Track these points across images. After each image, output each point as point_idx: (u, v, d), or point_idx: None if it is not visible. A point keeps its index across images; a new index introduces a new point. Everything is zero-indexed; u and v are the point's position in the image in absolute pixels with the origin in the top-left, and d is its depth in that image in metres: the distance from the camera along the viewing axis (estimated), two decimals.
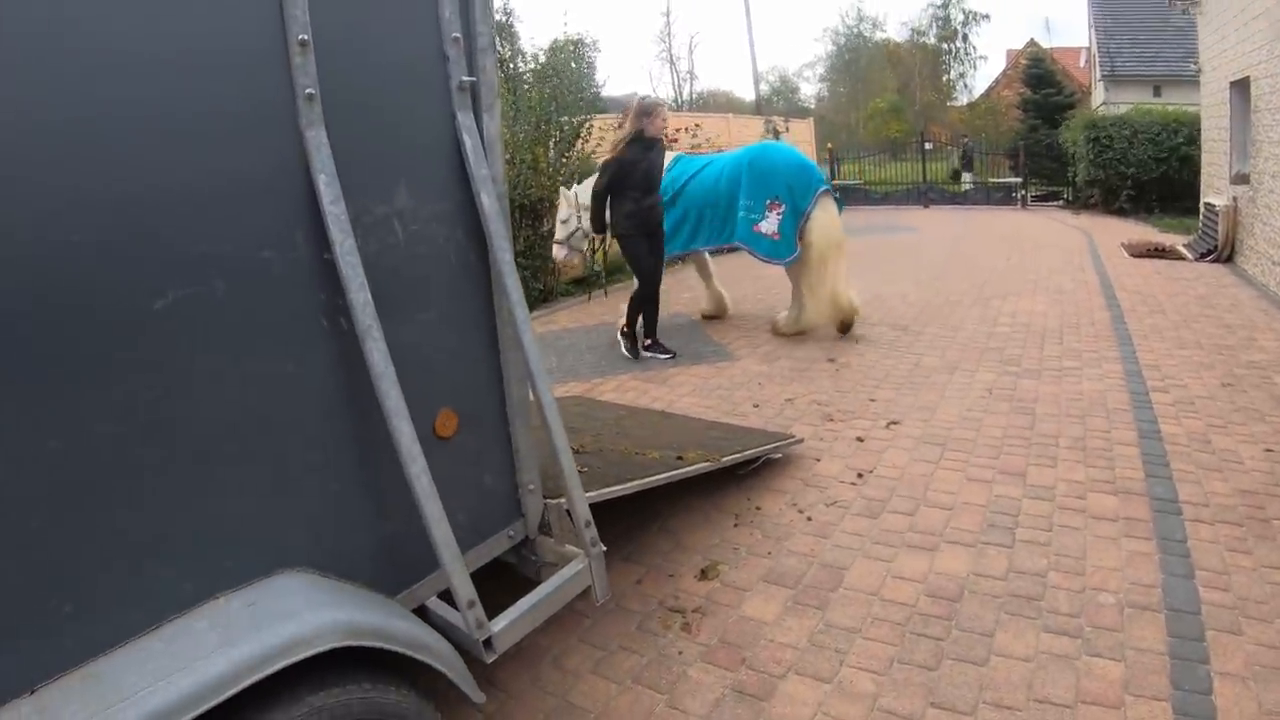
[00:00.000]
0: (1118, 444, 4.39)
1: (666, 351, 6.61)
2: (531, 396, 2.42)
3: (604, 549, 2.49)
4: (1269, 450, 4.22)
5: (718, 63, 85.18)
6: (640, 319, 6.58)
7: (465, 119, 2.20)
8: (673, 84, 41.56)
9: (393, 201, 2.06)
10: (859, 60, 41.17)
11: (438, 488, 1.95)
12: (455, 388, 2.26)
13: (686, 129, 12.54)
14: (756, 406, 5.13)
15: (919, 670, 2.65)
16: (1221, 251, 10.17)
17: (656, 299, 6.62)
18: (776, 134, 15.72)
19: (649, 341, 6.69)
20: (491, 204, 2.22)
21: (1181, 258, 10.60)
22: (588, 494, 2.53)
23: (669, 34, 40.99)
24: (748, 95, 39.75)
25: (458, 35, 2.15)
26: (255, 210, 1.77)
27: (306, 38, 1.79)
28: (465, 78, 2.18)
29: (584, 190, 6.71)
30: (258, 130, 1.77)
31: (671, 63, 41.69)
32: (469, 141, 2.19)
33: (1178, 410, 4.88)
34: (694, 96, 41.20)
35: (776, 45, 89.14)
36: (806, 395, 5.31)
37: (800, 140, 19.15)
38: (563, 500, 2.51)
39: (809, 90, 44.89)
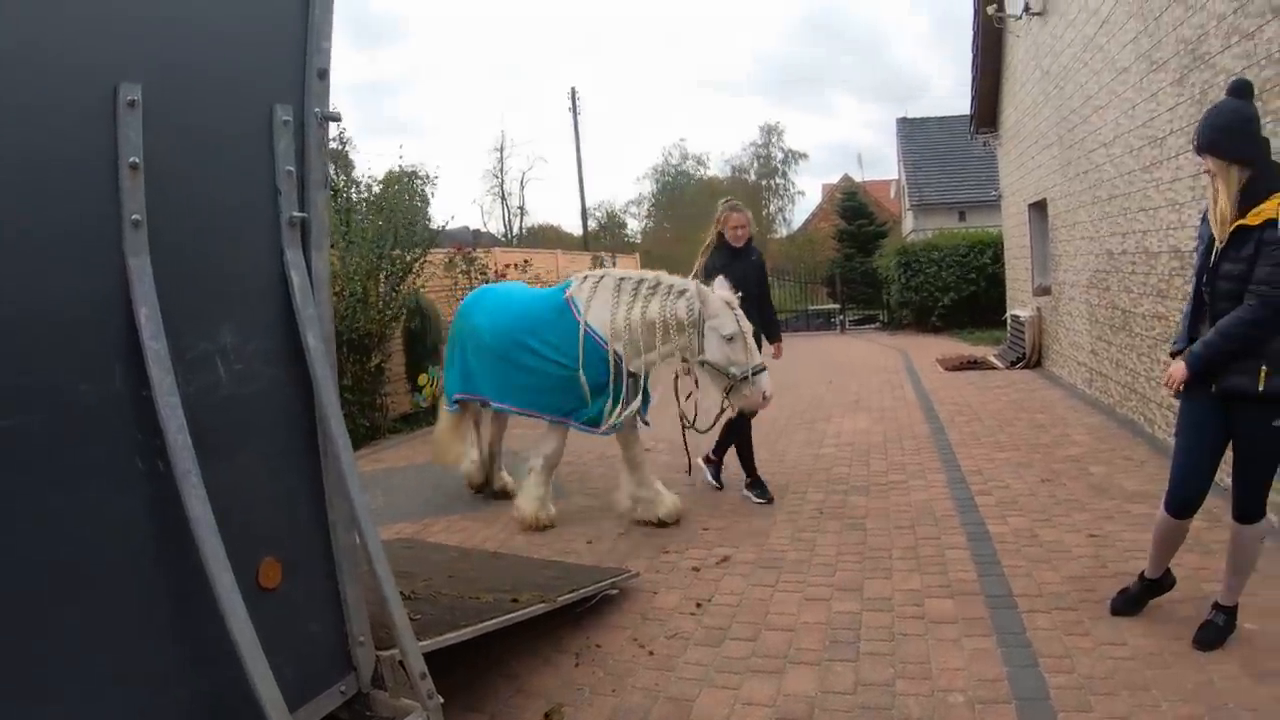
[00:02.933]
0: (949, 549, 4.69)
1: (766, 495, 5.87)
2: (359, 542, 2.35)
3: (442, 700, 2.40)
4: (1092, 535, 4.66)
5: (547, 198, 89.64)
6: (733, 448, 6.02)
7: (294, 256, 2.19)
8: (504, 219, 42.79)
9: (217, 338, 2.00)
10: (683, 196, 43.99)
11: (262, 641, 1.83)
12: (279, 535, 2.16)
13: (516, 265, 12.87)
14: (590, 543, 5.12)
15: None
16: (1030, 358, 11.47)
17: (747, 426, 5.94)
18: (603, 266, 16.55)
19: (749, 480, 5.99)
20: (317, 344, 2.19)
21: (993, 367, 11.75)
22: (421, 643, 2.45)
23: (501, 169, 42.31)
24: (575, 229, 41.53)
25: (291, 169, 2.16)
26: (74, 340, 1.69)
27: (138, 161, 1.75)
28: (296, 213, 2.18)
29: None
30: (80, 255, 1.70)
31: (503, 197, 42.71)
32: (297, 279, 2.18)
33: (1002, 510, 5.29)
34: (524, 231, 42.54)
35: (604, 181, 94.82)
36: (639, 528, 5.34)
37: None
38: (395, 651, 2.42)
39: (635, 225, 47.36)
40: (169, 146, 1.85)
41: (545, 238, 40.94)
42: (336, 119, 2.33)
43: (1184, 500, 3.36)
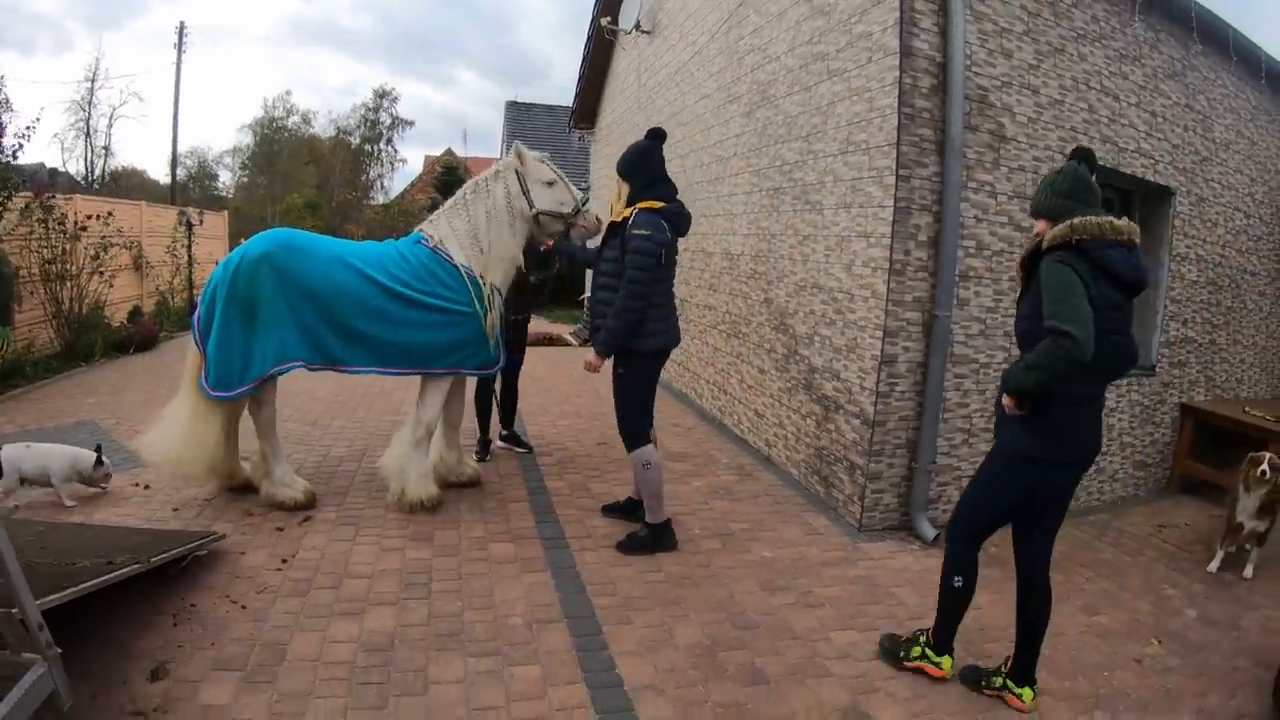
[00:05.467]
0: (510, 502, 5.20)
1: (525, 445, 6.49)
2: None
3: (60, 650, 2.39)
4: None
5: (135, 139, 75.93)
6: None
7: None
8: (86, 159, 35.82)
9: None
10: (281, 153, 40.75)
11: None
12: None
13: (99, 216, 11.02)
14: (176, 510, 4.79)
15: (371, 713, 2.91)
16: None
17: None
18: (190, 226, 14.76)
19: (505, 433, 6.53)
20: None
21: (567, 343, 12.63)
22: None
23: (90, 103, 35.23)
24: (161, 177, 36.88)
25: None
26: None
27: None
28: None
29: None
30: None
31: (89, 135, 35.60)
32: None
33: (560, 468, 5.95)
34: (105, 174, 36.12)
35: (200, 129, 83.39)
36: (224, 496, 5.07)
37: (214, 234, 18.04)
38: (14, 610, 2.34)
39: (227, 178, 42.70)
40: None
41: (128, 184, 35.54)
42: None
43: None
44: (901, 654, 3.42)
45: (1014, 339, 3.27)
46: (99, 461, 4.89)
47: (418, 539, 4.49)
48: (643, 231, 4.16)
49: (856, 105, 5.14)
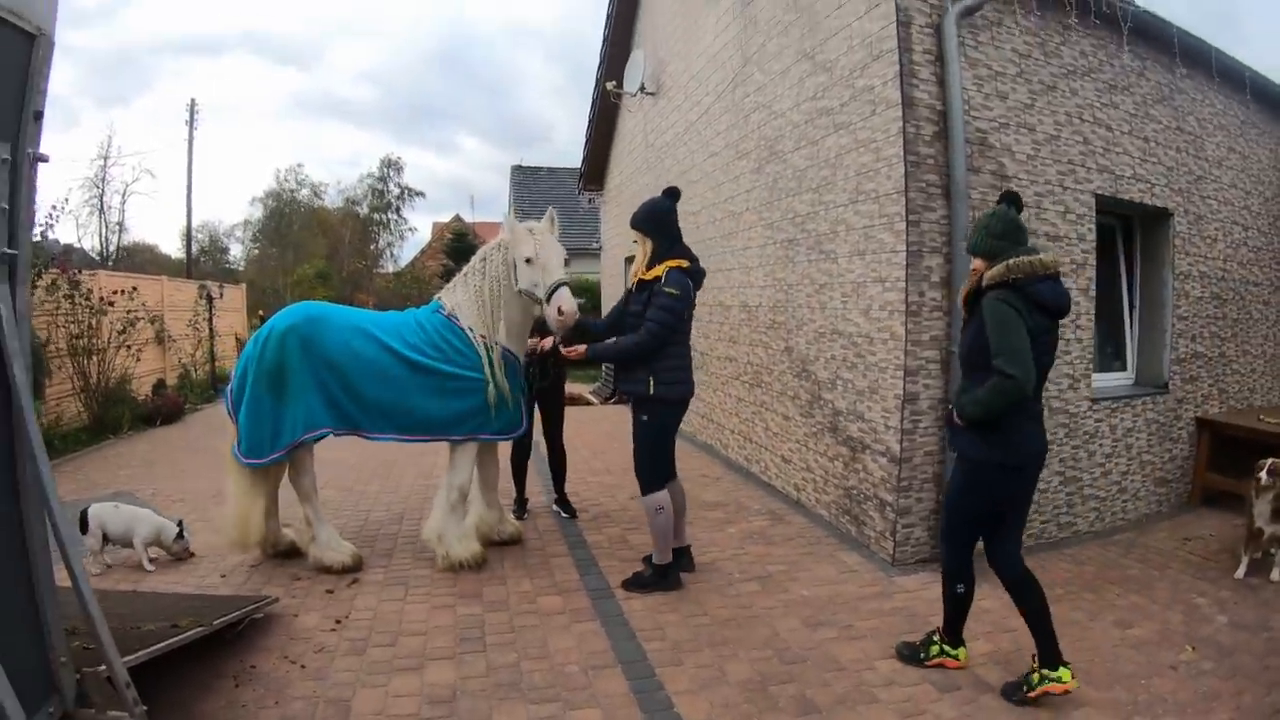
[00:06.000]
0: (553, 557, 5.36)
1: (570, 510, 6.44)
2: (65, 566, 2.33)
3: (145, 708, 2.46)
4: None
5: (147, 213, 77.83)
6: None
7: (1, 291, 2.14)
8: (101, 235, 36.75)
9: None
10: (292, 225, 41.54)
11: None
12: None
13: (123, 291, 11.45)
14: (224, 577, 4.97)
15: None
16: (618, 393, 12.63)
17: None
18: (211, 299, 15.21)
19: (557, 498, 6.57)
20: (22, 377, 2.15)
21: (589, 402, 12.81)
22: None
23: (104, 180, 36.26)
24: (173, 251, 37.74)
25: (4, 206, 2.11)
26: None
27: None
28: (7, 249, 2.14)
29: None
30: None
31: (102, 211, 36.50)
32: (4, 313, 2.13)
33: (598, 524, 6.10)
34: (119, 249, 37.03)
35: (210, 202, 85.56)
36: (268, 562, 5.24)
37: (233, 307, 18.65)
38: (102, 668, 2.43)
39: (238, 251, 43.62)
40: None
41: (142, 259, 36.38)
42: (45, 160, 2.31)
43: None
44: (921, 655, 3.75)
45: (960, 361, 3.70)
46: (180, 535, 5.13)
47: (467, 596, 4.64)
48: (674, 290, 4.46)
49: (864, 156, 5.40)
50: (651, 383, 4.53)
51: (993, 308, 3.29)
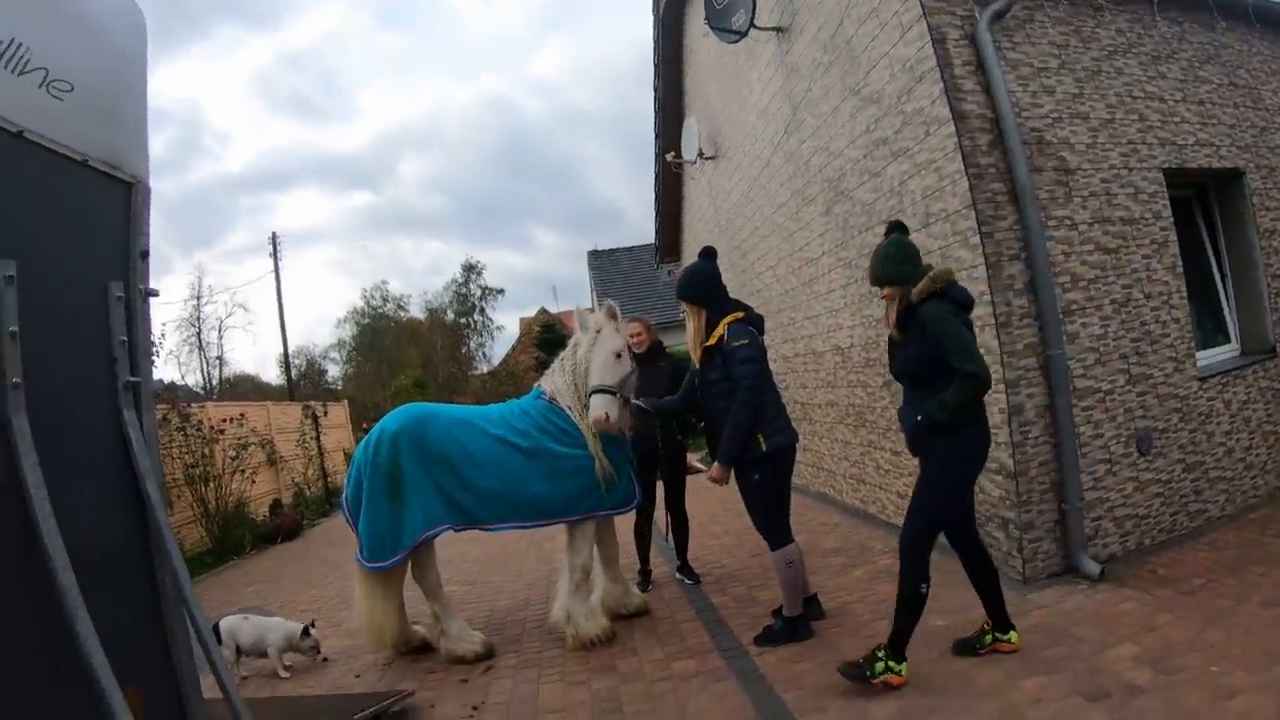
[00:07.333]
0: (682, 622, 5.40)
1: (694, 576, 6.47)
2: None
3: None
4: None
5: (242, 344, 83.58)
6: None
7: (130, 416, 2.41)
8: (202, 370, 39.58)
9: (76, 488, 2.16)
10: (384, 340, 43.61)
11: None
12: (135, 668, 2.26)
13: (232, 419, 12.35)
14: (358, 677, 5.20)
15: None
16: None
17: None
18: (316, 419, 16.10)
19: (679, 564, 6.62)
20: (155, 493, 2.40)
21: (698, 470, 12.76)
22: None
23: (199, 318, 39.34)
24: (273, 378, 39.79)
25: (125, 339, 2.41)
26: None
27: (15, 330, 1.96)
28: (130, 378, 2.42)
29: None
30: None
31: (201, 347, 39.47)
32: (134, 436, 2.40)
33: (722, 585, 6.13)
34: (222, 382, 39.74)
35: (300, 326, 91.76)
36: (400, 660, 5.43)
37: (337, 424, 19.70)
38: None
39: (335, 371, 46.04)
40: (32, 316, 2.05)
41: (244, 388, 38.72)
42: (156, 294, 2.62)
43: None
44: (867, 673, 3.82)
45: (908, 377, 3.96)
46: (305, 633, 5.36)
47: (600, 670, 4.71)
48: (742, 341, 4.53)
49: (927, 178, 5.46)
50: (762, 440, 4.51)
51: (936, 316, 3.66)
